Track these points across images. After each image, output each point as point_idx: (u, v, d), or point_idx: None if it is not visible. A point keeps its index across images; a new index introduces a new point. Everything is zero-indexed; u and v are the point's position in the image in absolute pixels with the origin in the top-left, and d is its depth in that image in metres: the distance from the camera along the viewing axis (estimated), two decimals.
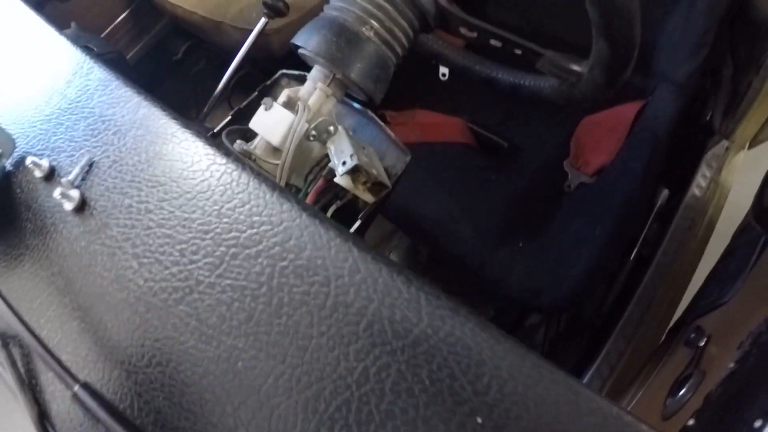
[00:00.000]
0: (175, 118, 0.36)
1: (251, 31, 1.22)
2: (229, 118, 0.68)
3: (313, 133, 0.54)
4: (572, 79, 0.61)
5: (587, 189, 1.02)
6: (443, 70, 1.13)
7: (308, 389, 0.28)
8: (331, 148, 0.53)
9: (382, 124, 0.61)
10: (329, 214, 0.56)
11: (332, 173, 0.53)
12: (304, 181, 0.57)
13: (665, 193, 1.05)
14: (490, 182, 1.04)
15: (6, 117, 0.47)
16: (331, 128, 0.54)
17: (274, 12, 1.03)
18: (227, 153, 0.35)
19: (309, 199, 0.55)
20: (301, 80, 0.67)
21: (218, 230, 0.33)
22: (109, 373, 0.32)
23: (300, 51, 0.59)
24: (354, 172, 0.52)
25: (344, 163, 0.51)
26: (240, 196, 0.33)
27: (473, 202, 0.99)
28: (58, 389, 0.34)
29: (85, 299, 0.34)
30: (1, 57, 0.56)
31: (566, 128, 1.09)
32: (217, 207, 0.34)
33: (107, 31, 1.68)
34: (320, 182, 0.55)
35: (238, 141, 0.60)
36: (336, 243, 0.30)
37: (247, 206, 0.33)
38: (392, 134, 0.60)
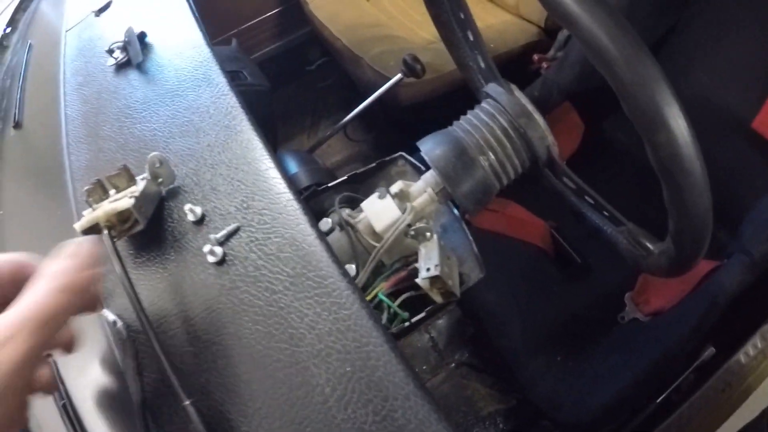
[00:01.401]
0: (320, 239, 0.46)
1: (384, 75, 1.33)
2: (345, 178, 0.78)
3: (412, 232, 0.63)
4: (643, 253, 0.67)
5: (638, 327, 1.07)
6: None
7: None
8: (422, 251, 0.62)
9: (470, 237, 0.69)
10: (401, 299, 0.64)
11: (416, 270, 0.62)
12: (390, 264, 0.67)
13: (711, 351, 1.09)
14: (552, 292, 1.10)
15: (177, 156, 0.59)
16: (428, 234, 0.63)
17: (411, 72, 1.14)
18: (352, 286, 0.43)
19: (389, 284, 0.64)
20: (415, 168, 0.76)
21: (321, 328, 0.42)
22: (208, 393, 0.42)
23: (422, 155, 0.68)
24: (434, 278, 0.60)
25: (428, 269, 0.60)
26: (345, 312, 0.42)
27: (530, 306, 1.06)
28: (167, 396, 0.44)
29: (203, 329, 0.44)
30: (174, 88, 0.68)
31: None
32: (327, 315, 0.43)
33: (252, 22, 1.82)
34: (403, 273, 0.64)
35: (347, 210, 0.69)
36: (402, 374, 0.38)
37: (347, 322, 0.41)
38: (476, 248, 0.69)
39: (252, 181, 0.52)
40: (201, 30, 0.76)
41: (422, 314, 0.64)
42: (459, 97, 1.38)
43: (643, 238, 0.66)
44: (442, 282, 0.61)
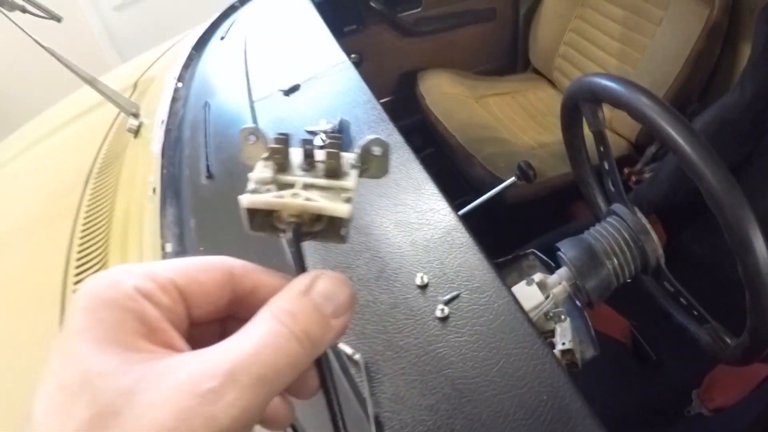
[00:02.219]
0: (521, 311, 0.65)
1: (494, 174, 1.53)
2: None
3: (551, 314, 0.81)
4: (722, 346, 0.84)
5: (701, 421, 1.22)
6: None
7: None
8: (558, 329, 0.80)
9: (589, 323, 0.87)
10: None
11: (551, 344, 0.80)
12: None
13: None
14: (624, 382, 1.26)
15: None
16: (563, 317, 0.81)
17: (523, 177, 1.33)
18: (546, 345, 0.62)
19: None
20: (543, 263, 0.95)
21: (524, 370, 0.61)
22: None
23: (558, 254, 0.87)
24: (565, 350, 0.78)
25: (563, 344, 0.78)
26: (540, 363, 0.61)
27: (602, 391, 1.21)
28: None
29: (424, 367, 0.63)
30: None
31: (709, 365, 1.29)
32: (527, 361, 0.62)
33: None
34: None
35: None
36: (580, 403, 0.56)
37: (542, 367, 0.60)
38: (593, 332, 0.86)
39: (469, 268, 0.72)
40: (383, 113, 0.98)
41: None
42: (556, 201, 1.59)
43: (723, 334, 0.83)
44: (571, 354, 0.79)
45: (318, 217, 0.31)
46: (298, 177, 0.32)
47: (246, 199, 0.30)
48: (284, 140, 0.32)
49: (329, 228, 0.32)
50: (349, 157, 0.33)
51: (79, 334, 0.24)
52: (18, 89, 3.33)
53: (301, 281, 0.28)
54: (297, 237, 0.31)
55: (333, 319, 0.28)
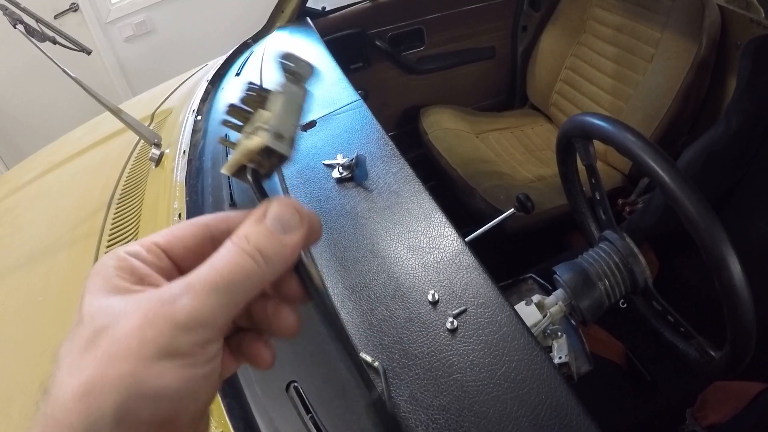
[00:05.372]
0: (522, 324, 0.73)
1: (495, 207, 1.61)
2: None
3: (548, 332, 0.89)
4: (708, 359, 0.91)
5: None
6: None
7: None
8: (555, 345, 0.88)
9: (583, 338, 0.95)
10: None
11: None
12: None
13: None
14: (619, 401, 1.33)
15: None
16: (559, 334, 0.89)
17: (522, 209, 1.41)
18: (544, 353, 0.70)
19: None
20: (540, 285, 1.03)
21: (525, 374, 0.69)
22: None
23: (555, 276, 0.95)
24: (562, 364, 0.86)
25: (560, 357, 0.85)
26: (538, 368, 0.68)
27: (598, 409, 1.28)
28: None
29: (436, 371, 0.70)
30: None
31: (702, 384, 1.36)
32: (528, 366, 0.69)
33: None
34: None
35: None
36: (573, 402, 0.63)
37: (540, 372, 0.67)
38: (588, 348, 0.94)
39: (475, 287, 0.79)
40: (394, 149, 1.07)
41: None
42: (553, 231, 1.67)
43: (708, 347, 0.90)
44: (567, 367, 0.86)
45: (265, 153, 0.36)
46: (247, 127, 0.38)
47: (223, 169, 0.39)
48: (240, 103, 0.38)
49: (275, 156, 0.37)
50: (276, 86, 0.38)
51: (88, 289, 0.31)
52: (25, 116, 3.43)
53: (257, 211, 0.34)
54: (255, 177, 0.38)
55: (284, 236, 0.33)
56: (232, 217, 0.35)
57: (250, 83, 0.38)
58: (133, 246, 0.33)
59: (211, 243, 0.34)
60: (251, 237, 0.32)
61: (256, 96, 0.37)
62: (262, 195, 0.37)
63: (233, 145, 0.38)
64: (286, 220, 0.34)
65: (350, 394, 0.68)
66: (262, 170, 0.38)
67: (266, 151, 0.36)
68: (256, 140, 0.36)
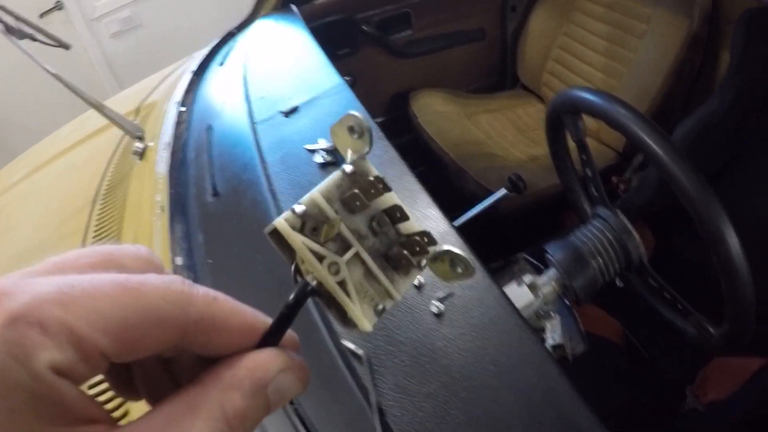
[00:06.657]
0: (509, 305, 0.70)
1: (487, 188, 1.59)
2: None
3: (541, 312, 0.86)
4: (707, 336, 0.89)
5: (695, 416, 1.26)
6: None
7: None
8: (548, 326, 0.85)
9: (578, 318, 0.92)
10: None
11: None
12: None
13: None
14: (618, 380, 1.31)
15: None
16: (553, 315, 0.86)
17: (514, 189, 1.39)
18: (534, 335, 0.67)
19: None
20: (533, 266, 1.00)
21: (514, 358, 0.66)
22: None
23: (546, 256, 0.92)
24: (556, 345, 0.83)
25: (554, 339, 0.83)
26: (526, 349, 0.66)
27: (597, 389, 1.26)
28: None
29: (422, 356, 0.68)
30: None
31: (702, 361, 1.34)
32: (517, 348, 0.67)
33: None
34: None
35: None
36: (568, 387, 0.61)
37: (532, 357, 0.65)
38: (582, 328, 0.91)
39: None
40: (379, 131, 1.04)
41: None
42: (546, 211, 1.64)
43: (706, 324, 0.88)
44: (562, 349, 0.84)
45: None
46: (358, 241, 0.28)
47: (280, 225, 0.26)
48: (381, 181, 0.29)
49: (339, 312, 0.28)
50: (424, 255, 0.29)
51: None
52: (16, 115, 3.40)
53: (266, 365, 0.26)
54: (301, 298, 0.26)
55: (273, 405, 0.26)
56: (224, 320, 0.25)
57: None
58: (65, 353, 0.20)
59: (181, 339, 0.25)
60: (248, 416, 0.24)
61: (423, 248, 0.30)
62: (288, 321, 0.26)
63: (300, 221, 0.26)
64: (288, 395, 0.27)
65: (334, 383, 0.66)
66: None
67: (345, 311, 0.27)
68: (364, 319, 0.27)
